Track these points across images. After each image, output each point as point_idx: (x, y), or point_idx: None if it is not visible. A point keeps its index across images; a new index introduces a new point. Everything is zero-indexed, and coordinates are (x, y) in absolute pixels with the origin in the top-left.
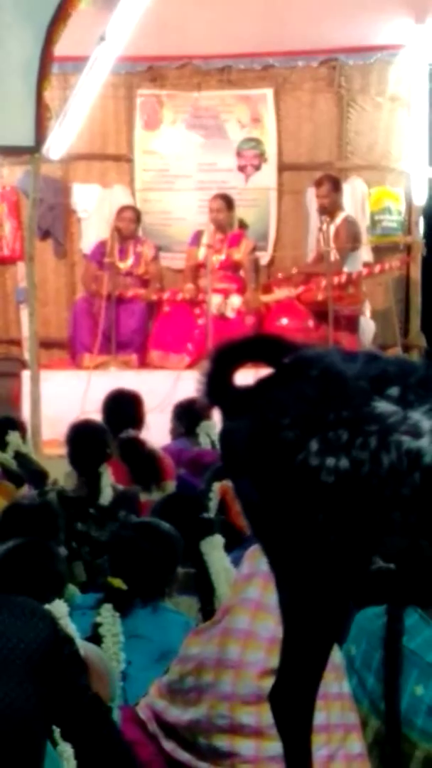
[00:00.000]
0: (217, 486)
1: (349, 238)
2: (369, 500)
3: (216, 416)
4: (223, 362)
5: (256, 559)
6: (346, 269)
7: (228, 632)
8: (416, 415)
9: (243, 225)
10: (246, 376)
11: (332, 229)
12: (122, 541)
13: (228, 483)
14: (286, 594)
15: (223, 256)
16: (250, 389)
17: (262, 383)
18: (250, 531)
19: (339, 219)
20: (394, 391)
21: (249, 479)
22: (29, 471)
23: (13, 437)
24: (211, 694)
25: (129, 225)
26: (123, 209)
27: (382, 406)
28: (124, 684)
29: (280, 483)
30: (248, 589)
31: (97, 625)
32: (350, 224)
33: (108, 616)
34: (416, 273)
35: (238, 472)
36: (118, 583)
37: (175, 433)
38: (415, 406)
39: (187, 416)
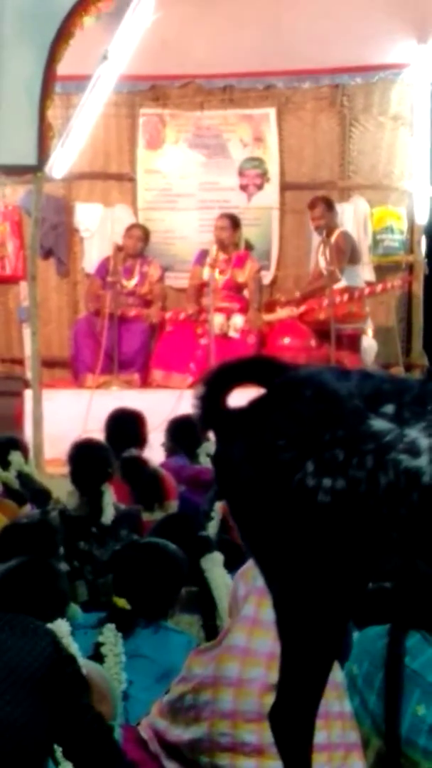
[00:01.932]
0: (218, 505)
1: (347, 250)
2: (366, 520)
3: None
4: (216, 385)
5: (249, 578)
6: (345, 283)
7: (226, 650)
8: (413, 433)
9: (249, 246)
10: (248, 394)
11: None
12: (128, 561)
13: None
14: (284, 613)
15: (227, 276)
16: (244, 411)
17: (255, 405)
18: (247, 551)
19: (335, 236)
20: (389, 408)
21: (246, 501)
22: (32, 491)
23: (15, 457)
24: (210, 712)
25: (136, 243)
26: (132, 227)
27: (378, 424)
28: (125, 704)
29: (277, 504)
30: (244, 607)
31: (99, 645)
32: (347, 237)
33: (110, 636)
34: (418, 292)
35: (233, 494)
36: (122, 603)
37: (170, 450)
38: (411, 423)
39: (187, 436)
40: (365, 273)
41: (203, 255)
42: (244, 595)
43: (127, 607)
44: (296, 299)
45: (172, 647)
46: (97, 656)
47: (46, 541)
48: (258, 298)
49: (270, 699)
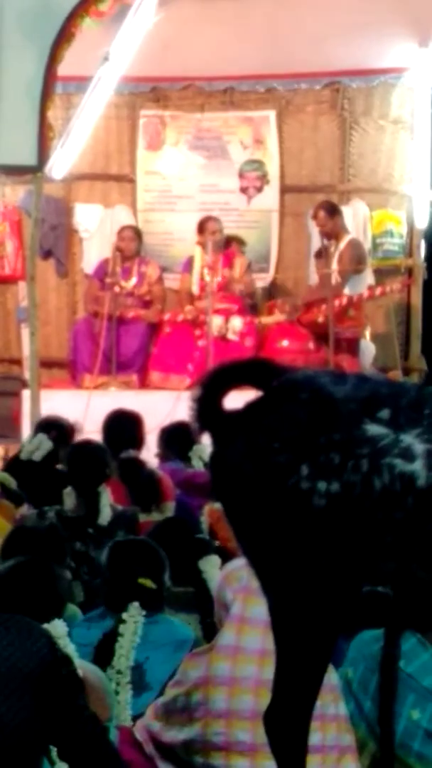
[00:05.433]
0: (207, 509)
1: (353, 260)
2: (361, 524)
3: (207, 439)
4: (212, 387)
5: (233, 580)
6: (350, 291)
7: (216, 651)
8: (408, 438)
9: (232, 240)
10: (246, 396)
11: (337, 253)
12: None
13: (215, 506)
14: (279, 616)
15: (219, 277)
16: (240, 413)
17: (251, 407)
18: (242, 555)
19: (344, 242)
20: (385, 413)
21: (241, 503)
22: None
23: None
24: (204, 712)
25: (129, 244)
26: (123, 229)
27: (373, 429)
28: (143, 673)
29: (271, 507)
30: (232, 607)
31: (120, 621)
32: (354, 247)
33: (134, 613)
34: (417, 296)
35: (229, 496)
36: (149, 583)
37: (164, 458)
38: (407, 429)
39: (179, 441)
40: (366, 278)
41: (190, 261)
42: (232, 598)
43: (153, 586)
44: (299, 306)
45: (177, 626)
46: (112, 635)
47: (54, 548)
48: (251, 283)
49: (265, 696)
